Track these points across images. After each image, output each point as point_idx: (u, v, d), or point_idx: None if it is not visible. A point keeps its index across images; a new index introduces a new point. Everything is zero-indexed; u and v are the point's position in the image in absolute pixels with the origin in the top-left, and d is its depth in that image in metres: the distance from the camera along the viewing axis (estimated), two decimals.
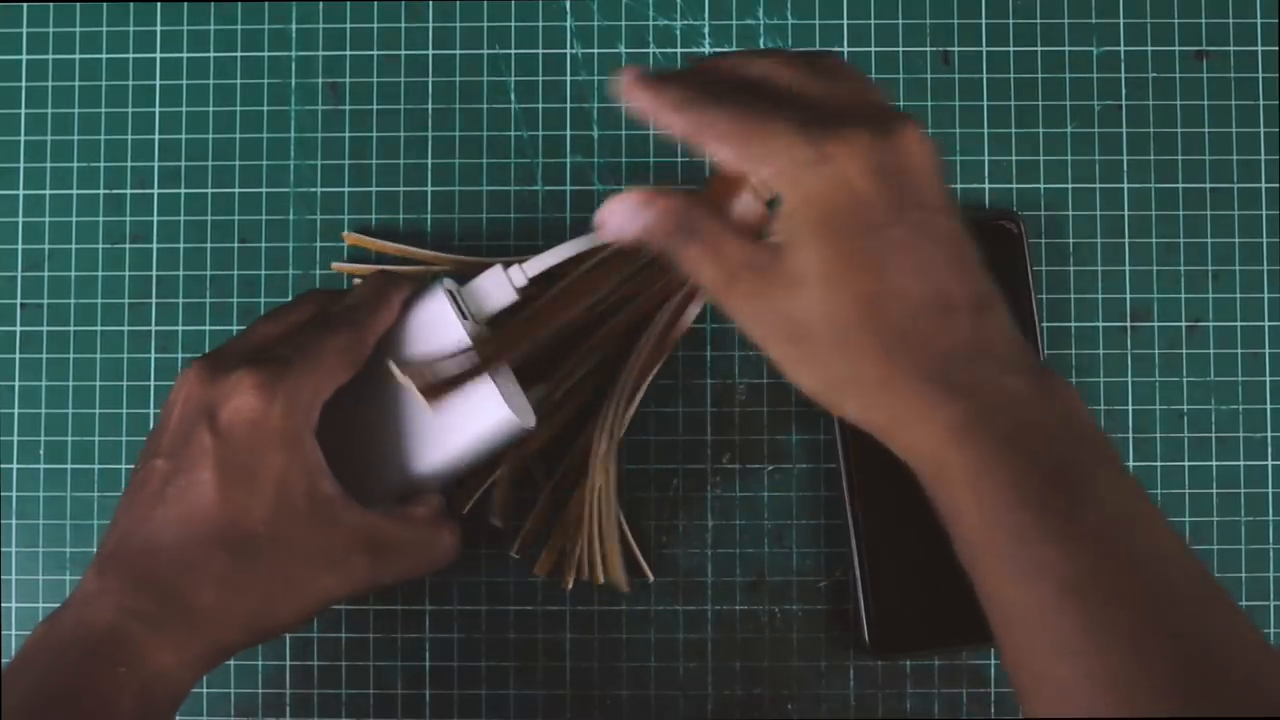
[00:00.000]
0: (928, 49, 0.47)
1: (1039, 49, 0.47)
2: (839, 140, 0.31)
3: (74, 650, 0.34)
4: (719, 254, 0.33)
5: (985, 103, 0.46)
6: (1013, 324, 0.32)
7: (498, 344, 0.40)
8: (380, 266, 0.45)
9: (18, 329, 0.47)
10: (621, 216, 0.33)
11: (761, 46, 0.47)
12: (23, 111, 0.47)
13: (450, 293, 0.40)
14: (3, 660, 0.46)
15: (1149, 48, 0.46)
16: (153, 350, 0.47)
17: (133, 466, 0.39)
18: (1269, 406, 0.46)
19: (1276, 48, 0.46)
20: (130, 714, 0.33)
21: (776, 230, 0.32)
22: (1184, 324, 0.46)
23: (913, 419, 0.31)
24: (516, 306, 0.41)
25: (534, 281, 0.41)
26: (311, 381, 0.36)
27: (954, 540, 0.32)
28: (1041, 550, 0.29)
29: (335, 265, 0.46)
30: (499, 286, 0.41)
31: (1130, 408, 0.46)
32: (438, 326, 0.40)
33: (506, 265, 0.41)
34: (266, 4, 0.47)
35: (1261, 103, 0.46)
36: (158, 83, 0.47)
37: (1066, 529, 0.29)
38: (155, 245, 0.47)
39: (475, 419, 0.39)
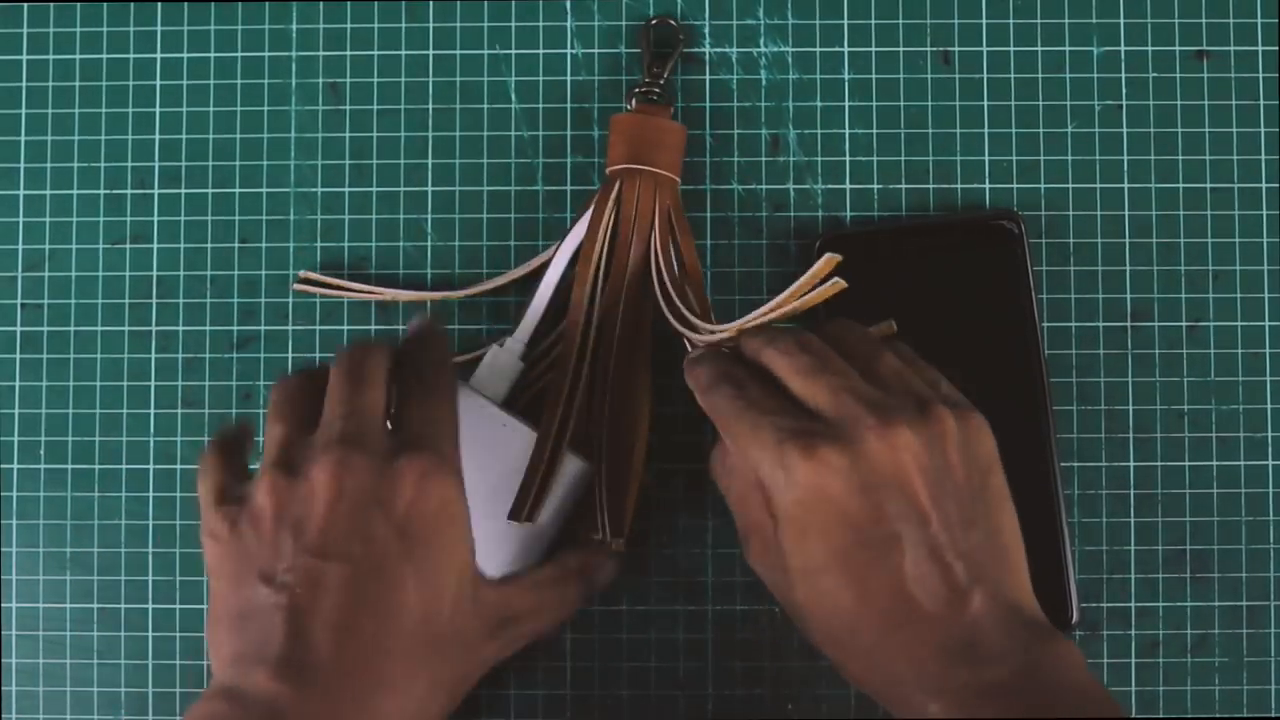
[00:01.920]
0: (928, 49, 0.47)
1: (1039, 49, 0.47)
2: (813, 457, 0.33)
3: None
4: (745, 508, 0.37)
5: (985, 103, 0.46)
6: (1000, 600, 0.34)
7: (553, 437, 0.41)
8: (346, 283, 0.45)
9: (18, 329, 0.47)
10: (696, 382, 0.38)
11: (761, 45, 0.47)
12: (23, 111, 0.47)
13: (469, 388, 0.42)
14: (2, 661, 0.46)
15: (1149, 48, 0.46)
16: (153, 350, 0.47)
17: (224, 573, 0.34)
18: (1269, 406, 0.46)
19: (1276, 48, 0.46)
20: None
21: (773, 511, 0.35)
22: (1184, 324, 0.46)
23: (907, 696, 0.33)
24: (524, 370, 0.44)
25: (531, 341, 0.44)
26: (446, 429, 0.35)
27: None
28: None
29: (303, 273, 0.46)
30: (504, 362, 0.43)
31: (1130, 408, 0.46)
32: (482, 421, 0.42)
33: (500, 344, 0.44)
34: (266, 4, 0.47)
35: (1261, 103, 0.46)
36: (158, 83, 0.47)
37: None
38: (155, 245, 0.47)
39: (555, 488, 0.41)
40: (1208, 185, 0.46)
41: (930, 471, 0.33)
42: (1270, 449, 0.46)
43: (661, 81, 0.45)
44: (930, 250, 0.43)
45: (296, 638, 0.32)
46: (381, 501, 0.33)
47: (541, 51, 0.47)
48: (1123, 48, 0.47)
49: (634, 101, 0.45)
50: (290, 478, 0.33)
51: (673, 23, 0.46)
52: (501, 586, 0.37)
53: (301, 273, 0.46)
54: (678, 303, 0.42)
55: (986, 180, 0.46)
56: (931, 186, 0.46)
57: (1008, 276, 0.43)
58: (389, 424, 0.36)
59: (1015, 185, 0.46)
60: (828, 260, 0.34)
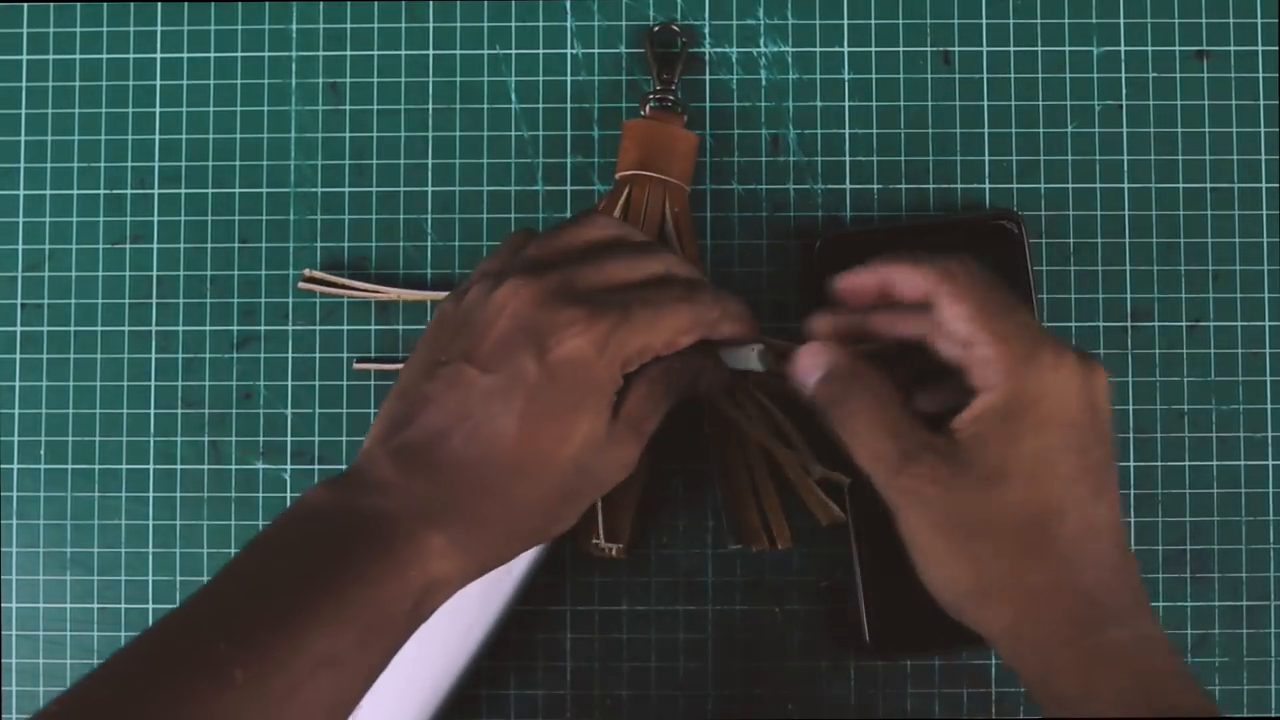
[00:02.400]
0: (928, 49, 0.47)
1: (1039, 49, 0.47)
2: (1063, 356, 0.35)
3: (370, 537, 0.33)
4: (896, 431, 0.35)
5: (985, 103, 0.46)
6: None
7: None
8: (349, 283, 0.45)
9: (18, 329, 0.47)
10: (808, 365, 0.37)
11: (761, 45, 0.47)
12: (23, 111, 0.47)
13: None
14: (2, 661, 0.46)
15: (1149, 48, 0.46)
16: (153, 350, 0.47)
17: (418, 351, 0.36)
18: (1269, 406, 0.46)
19: (1276, 48, 0.46)
20: (406, 616, 0.33)
21: (973, 423, 0.35)
22: (1184, 324, 0.46)
23: (1057, 636, 0.34)
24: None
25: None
26: (641, 342, 0.35)
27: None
28: None
29: (307, 271, 0.46)
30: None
31: (1130, 408, 0.46)
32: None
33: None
34: (266, 4, 0.47)
35: (1261, 103, 0.46)
36: (158, 83, 0.47)
37: None
38: (155, 245, 0.47)
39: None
40: (1208, 185, 0.46)
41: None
42: (1270, 449, 0.46)
43: (674, 88, 0.45)
44: (930, 250, 0.43)
45: (424, 427, 0.34)
46: (538, 338, 0.34)
47: (541, 51, 0.47)
48: (1123, 48, 0.47)
49: (648, 108, 0.45)
50: (492, 285, 0.35)
51: (675, 28, 0.46)
52: (624, 408, 0.36)
53: (306, 271, 0.46)
54: None
55: (986, 180, 0.46)
56: (931, 186, 0.46)
57: (1008, 277, 0.43)
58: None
59: (1015, 185, 0.46)
60: (835, 515, 0.40)
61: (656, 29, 0.46)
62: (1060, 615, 0.34)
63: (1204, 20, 0.47)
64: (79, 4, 0.47)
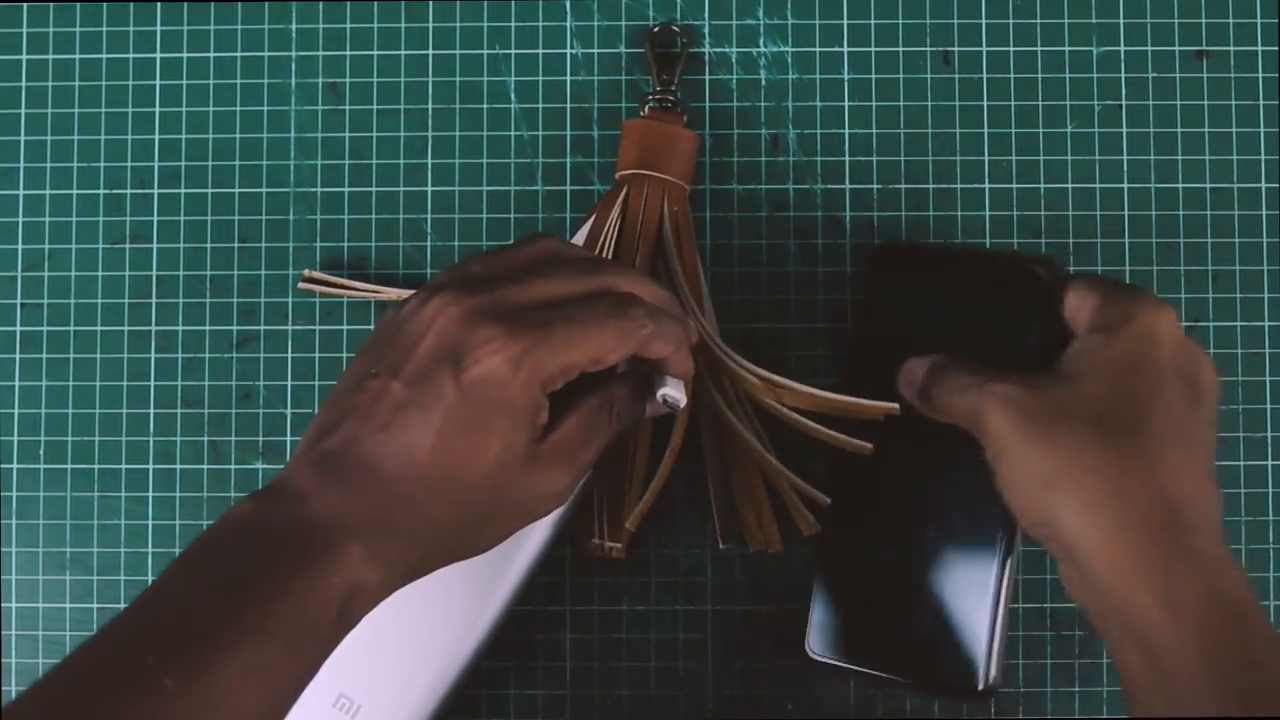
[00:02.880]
0: (928, 49, 0.47)
1: (1039, 49, 0.47)
2: (1160, 310, 0.37)
3: (289, 546, 0.33)
4: (991, 371, 0.38)
5: (985, 103, 0.46)
6: None
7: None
8: (349, 283, 0.45)
9: (18, 329, 0.47)
10: (913, 367, 0.40)
11: (761, 45, 0.47)
12: (23, 111, 0.47)
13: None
14: (2, 661, 0.46)
15: (1149, 48, 0.46)
16: (153, 350, 0.47)
17: (355, 361, 0.37)
18: (1269, 406, 0.46)
19: (1276, 48, 0.46)
20: (331, 624, 0.33)
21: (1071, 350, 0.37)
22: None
23: (1131, 528, 0.35)
24: None
25: None
26: (562, 361, 0.35)
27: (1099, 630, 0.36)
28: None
29: (307, 272, 0.46)
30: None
31: None
32: None
33: None
34: (266, 4, 0.47)
35: (1261, 103, 0.46)
36: (158, 83, 0.47)
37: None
38: (155, 245, 0.47)
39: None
40: (1208, 185, 0.46)
41: None
42: (1270, 449, 0.46)
43: (674, 88, 0.45)
44: (968, 280, 0.42)
45: (344, 437, 0.35)
46: (455, 356, 0.34)
47: (541, 51, 0.47)
48: (1123, 48, 0.47)
49: (647, 108, 0.45)
50: (425, 299, 0.36)
51: (675, 28, 0.46)
52: (555, 435, 0.36)
53: (306, 271, 0.46)
54: None
55: (986, 180, 0.46)
56: (931, 187, 0.46)
57: (1033, 323, 0.41)
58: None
59: (1015, 185, 0.46)
60: (889, 408, 0.40)
61: (656, 29, 0.46)
62: (1135, 511, 0.34)
63: (1204, 20, 0.47)
64: (79, 4, 0.47)
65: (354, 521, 0.34)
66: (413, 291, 0.45)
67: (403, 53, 0.47)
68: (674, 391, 0.38)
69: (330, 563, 0.33)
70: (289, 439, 0.46)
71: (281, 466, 0.46)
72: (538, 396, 0.35)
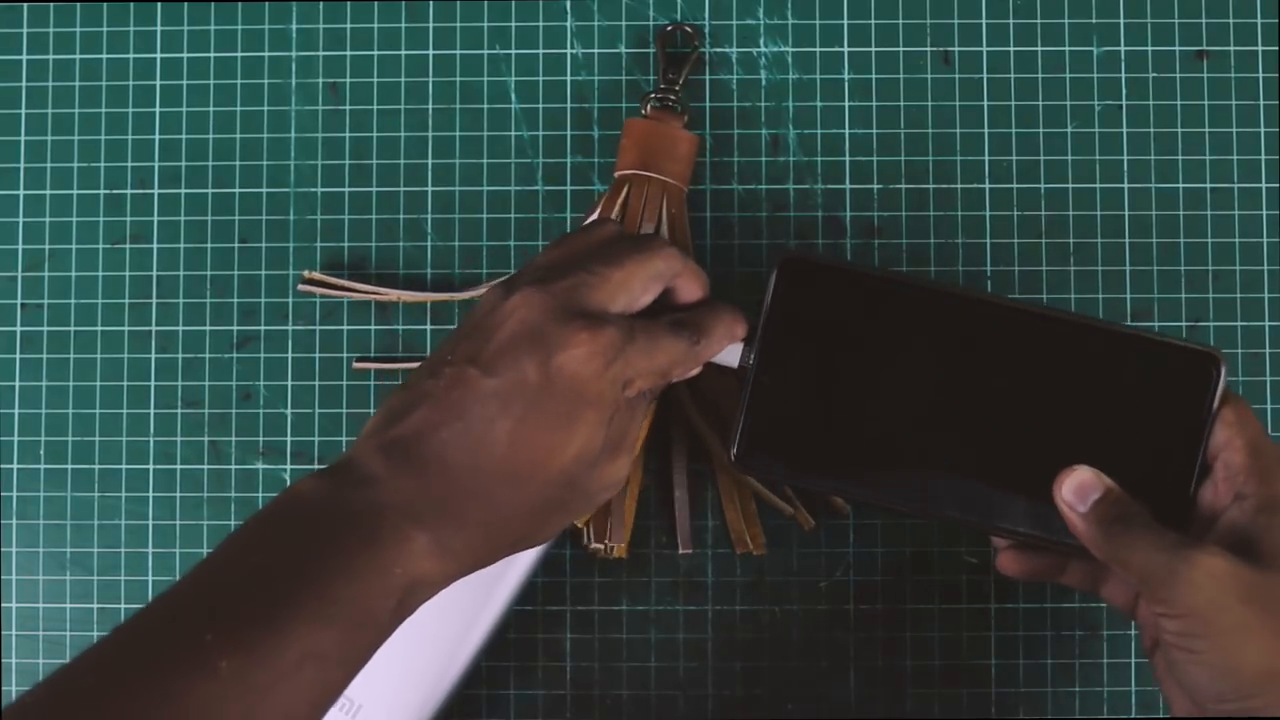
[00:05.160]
0: (928, 49, 0.47)
1: (1039, 49, 0.47)
2: None
3: (355, 532, 0.33)
4: (1172, 540, 0.35)
5: (985, 103, 0.46)
6: None
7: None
8: (349, 284, 0.45)
9: (18, 329, 0.47)
10: (1085, 484, 0.37)
11: (761, 45, 0.47)
12: (23, 111, 0.47)
13: None
14: (1, 660, 0.46)
15: (1149, 48, 0.46)
16: (153, 350, 0.47)
17: (434, 352, 0.36)
18: (1269, 406, 0.46)
19: (1276, 48, 0.46)
20: (390, 614, 0.33)
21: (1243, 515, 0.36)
22: (1184, 324, 0.46)
23: None
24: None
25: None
26: (640, 366, 0.35)
27: None
28: None
29: (307, 273, 0.46)
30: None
31: None
32: None
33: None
34: (266, 4, 0.47)
35: (1261, 103, 0.46)
36: (158, 83, 0.47)
37: None
38: (155, 245, 0.47)
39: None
40: (1208, 185, 0.46)
41: None
42: None
43: (677, 88, 0.45)
44: (1112, 364, 0.39)
45: (417, 424, 0.34)
46: (545, 347, 0.34)
47: (541, 51, 0.47)
48: (1123, 48, 0.47)
49: (649, 107, 0.45)
50: (505, 291, 0.35)
51: (688, 29, 0.46)
52: (614, 432, 0.36)
53: (306, 272, 0.46)
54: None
55: (986, 180, 0.46)
56: (931, 187, 0.46)
57: (1184, 415, 0.38)
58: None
59: (1015, 185, 0.46)
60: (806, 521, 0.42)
61: (669, 28, 0.46)
62: None
63: (1204, 20, 0.47)
64: (79, 4, 0.47)
65: (423, 512, 0.33)
66: (411, 292, 0.46)
67: (403, 53, 0.47)
68: (733, 356, 0.39)
69: (396, 553, 0.33)
70: (289, 439, 0.46)
71: (281, 467, 0.46)
72: (619, 396, 0.35)
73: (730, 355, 0.39)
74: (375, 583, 0.32)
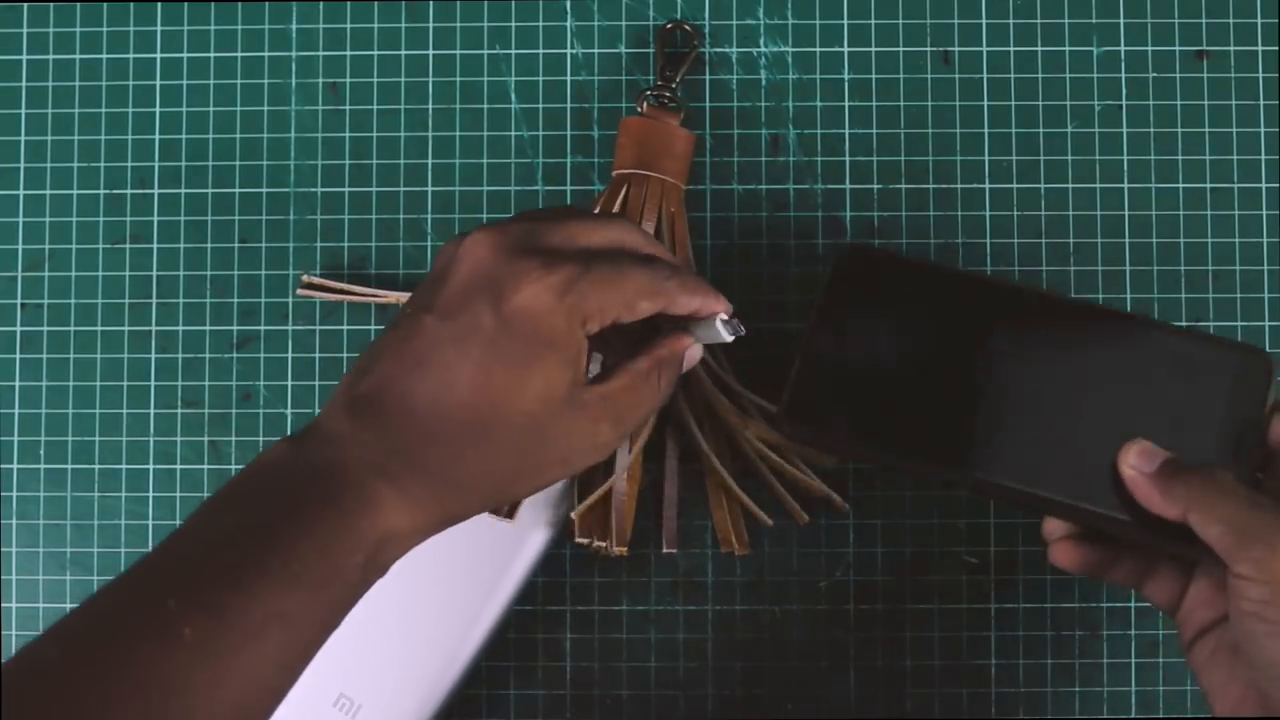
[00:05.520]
0: (928, 49, 0.47)
1: (1039, 49, 0.47)
2: None
3: (318, 490, 0.32)
4: (1253, 496, 0.34)
5: (985, 103, 0.46)
6: None
7: None
8: (348, 288, 0.45)
9: (18, 329, 0.47)
10: (1148, 490, 0.36)
11: (761, 45, 0.47)
12: (23, 111, 0.47)
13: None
14: (1, 660, 0.46)
15: (1149, 48, 0.46)
16: (153, 350, 0.47)
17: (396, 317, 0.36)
18: None
19: (1276, 48, 0.46)
20: (359, 570, 0.33)
21: None
22: (1184, 324, 0.46)
23: None
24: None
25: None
26: (599, 298, 0.34)
27: None
28: None
29: (305, 278, 0.46)
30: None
31: None
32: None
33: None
34: (266, 4, 0.47)
35: (1261, 103, 0.46)
36: (158, 83, 0.47)
37: None
38: (155, 245, 0.47)
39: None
40: (1208, 185, 0.46)
41: None
42: None
43: (674, 86, 0.45)
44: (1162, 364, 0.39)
45: (379, 377, 0.34)
46: (495, 287, 0.34)
47: (541, 51, 0.47)
48: (1123, 48, 0.47)
49: (645, 105, 0.45)
50: (463, 236, 0.35)
51: (688, 27, 0.46)
52: (605, 385, 0.36)
53: (304, 277, 0.46)
54: None
55: (986, 180, 0.46)
56: (931, 187, 0.46)
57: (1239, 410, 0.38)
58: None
59: (1015, 185, 0.46)
60: (839, 505, 0.41)
61: (669, 26, 0.46)
62: None
63: (1204, 20, 0.47)
64: (79, 4, 0.47)
65: (386, 463, 0.33)
66: (410, 294, 0.45)
67: (403, 53, 0.47)
68: (722, 329, 0.38)
69: (360, 507, 0.32)
70: None
71: None
72: (578, 333, 0.34)
73: (716, 333, 0.38)
74: (341, 539, 0.32)
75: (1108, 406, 0.38)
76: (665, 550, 0.44)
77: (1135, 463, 0.36)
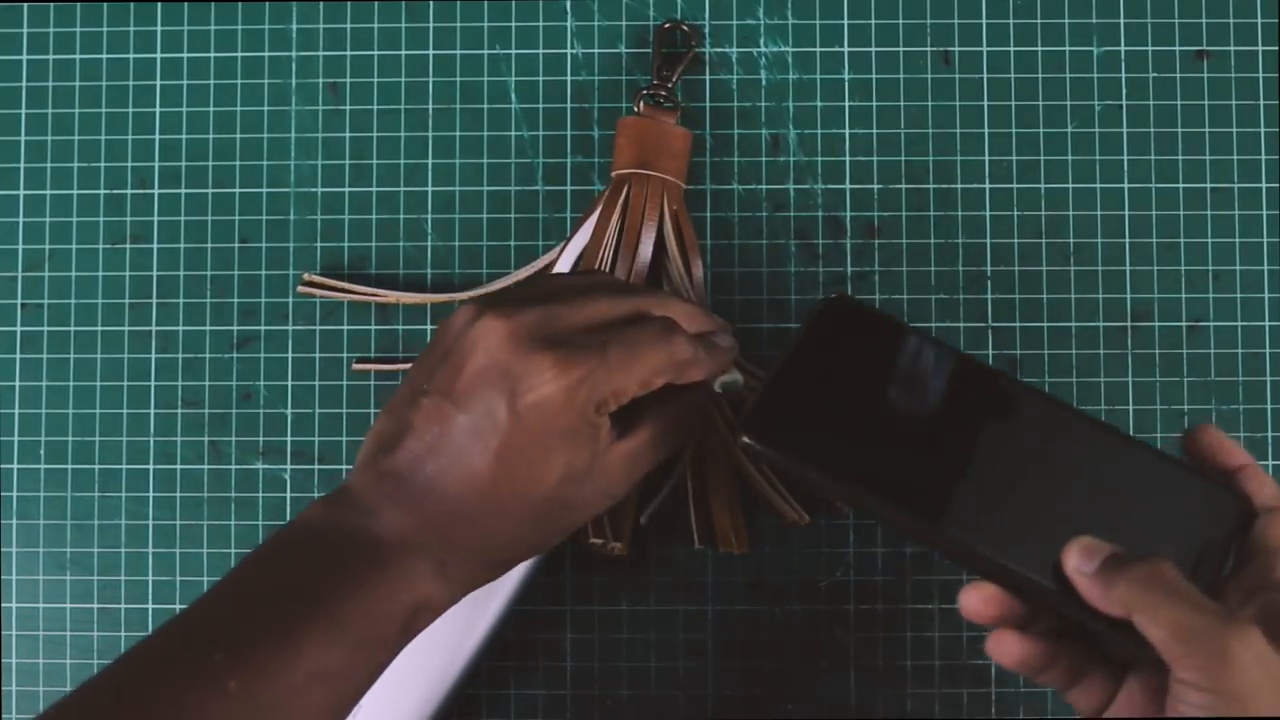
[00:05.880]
0: (928, 49, 0.47)
1: (1039, 49, 0.47)
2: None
3: (361, 558, 0.34)
4: (1202, 601, 0.32)
5: (985, 103, 0.46)
6: None
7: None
8: (348, 286, 0.45)
9: (18, 329, 0.47)
10: (1089, 590, 0.34)
11: (761, 45, 0.47)
12: (23, 111, 0.47)
13: None
14: (2, 661, 0.46)
15: (1149, 48, 0.46)
16: (153, 350, 0.47)
17: (412, 369, 0.36)
18: (1269, 406, 0.46)
19: (1276, 48, 0.46)
20: (396, 635, 0.34)
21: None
22: (1184, 324, 0.46)
23: None
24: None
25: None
26: (616, 385, 0.35)
27: None
28: None
29: (306, 276, 0.46)
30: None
31: (1130, 408, 0.46)
32: None
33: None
34: (266, 4, 0.47)
35: (1261, 103, 0.46)
36: (158, 83, 0.47)
37: None
38: (155, 245, 0.47)
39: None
40: (1208, 185, 0.46)
41: None
42: (1270, 449, 0.46)
43: (670, 85, 0.45)
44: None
45: (406, 457, 0.35)
46: (509, 383, 0.34)
47: (541, 51, 0.47)
48: (1123, 48, 0.47)
49: (641, 104, 0.45)
50: (475, 315, 0.35)
51: (685, 27, 0.46)
52: (625, 444, 0.37)
53: (305, 275, 0.46)
54: None
55: (986, 180, 0.46)
56: (931, 187, 0.46)
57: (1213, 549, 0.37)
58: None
59: (1015, 185, 0.46)
60: (800, 519, 0.41)
61: (667, 25, 0.46)
62: None
63: (1204, 20, 0.47)
64: (79, 4, 0.47)
65: (421, 540, 0.34)
66: (411, 293, 0.46)
67: (403, 53, 0.47)
68: (728, 378, 0.39)
69: (401, 578, 0.34)
70: (289, 439, 0.46)
71: (281, 467, 0.46)
72: (594, 419, 0.35)
73: (735, 381, 0.39)
74: (383, 605, 0.33)
75: (1066, 495, 0.37)
76: (697, 546, 0.44)
77: (1076, 563, 0.34)
